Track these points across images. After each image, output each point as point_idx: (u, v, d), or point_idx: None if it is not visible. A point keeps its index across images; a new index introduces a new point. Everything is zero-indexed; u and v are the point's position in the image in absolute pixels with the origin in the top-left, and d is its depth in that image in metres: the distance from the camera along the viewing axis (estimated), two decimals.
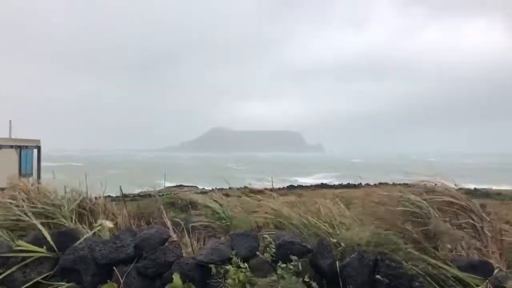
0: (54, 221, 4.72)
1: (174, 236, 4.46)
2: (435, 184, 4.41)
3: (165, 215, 4.90)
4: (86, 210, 5.10)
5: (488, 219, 4.13)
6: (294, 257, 3.57)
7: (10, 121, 28.88)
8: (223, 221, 4.90)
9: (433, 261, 3.46)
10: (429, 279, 3.31)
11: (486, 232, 4.03)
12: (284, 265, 3.50)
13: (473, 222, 4.08)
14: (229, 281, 3.39)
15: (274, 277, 3.42)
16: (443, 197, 4.17)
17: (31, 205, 4.76)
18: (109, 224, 4.57)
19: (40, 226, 4.26)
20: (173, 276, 3.57)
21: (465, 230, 4.05)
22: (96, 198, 5.37)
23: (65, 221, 4.72)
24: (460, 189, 4.45)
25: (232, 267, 3.50)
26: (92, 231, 4.45)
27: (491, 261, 3.55)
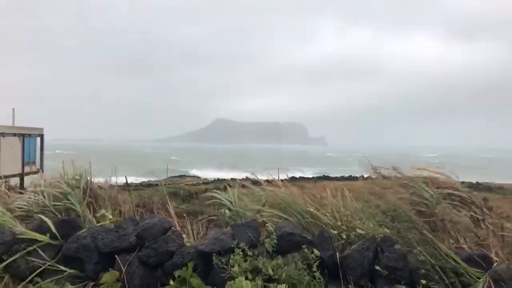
0: (66, 205, 4.81)
1: (176, 226, 4.49)
2: (436, 176, 4.40)
3: (168, 205, 4.92)
4: (91, 198, 5.14)
5: (488, 213, 4.12)
6: (303, 247, 3.64)
7: (13, 109, 28.64)
8: (225, 210, 4.92)
9: (443, 247, 3.43)
10: (437, 268, 3.29)
11: (488, 225, 4.02)
12: (296, 253, 3.57)
13: (474, 214, 4.07)
14: (235, 268, 3.43)
15: (279, 261, 3.46)
16: (445, 189, 4.16)
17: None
18: (109, 215, 4.64)
19: (42, 216, 4.29)
20: (188, 265, 3.65)
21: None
22: (100, 186, 5.41)
23: (77, 206, 4.81)
24: (462, 182, 4.44)
25: (237, 254, 3.54)
26: (96, 220, 4.51)
27: (491, 255, 3.55)
